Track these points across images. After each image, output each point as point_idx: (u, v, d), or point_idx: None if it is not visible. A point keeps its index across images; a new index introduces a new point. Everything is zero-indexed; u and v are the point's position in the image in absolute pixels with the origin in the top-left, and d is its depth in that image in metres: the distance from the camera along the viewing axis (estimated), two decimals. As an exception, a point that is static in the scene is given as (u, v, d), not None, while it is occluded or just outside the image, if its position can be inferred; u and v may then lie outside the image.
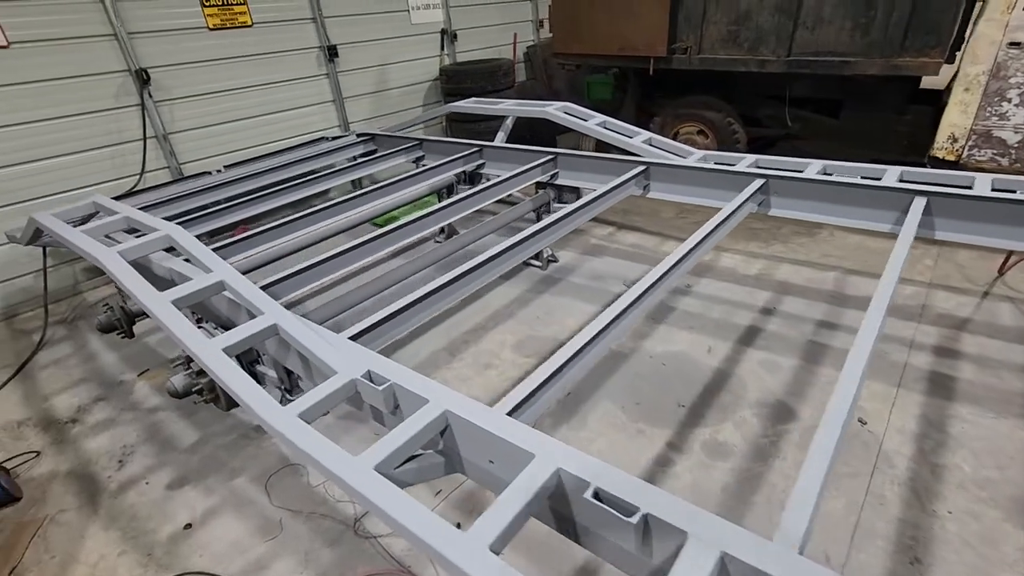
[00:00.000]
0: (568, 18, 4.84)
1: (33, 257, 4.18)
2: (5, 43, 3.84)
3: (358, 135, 5.03)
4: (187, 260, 2.34)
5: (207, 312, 2.33)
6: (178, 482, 2.46)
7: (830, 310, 3.27)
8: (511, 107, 4.22)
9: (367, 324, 1.93)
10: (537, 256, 4.16)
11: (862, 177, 2.85)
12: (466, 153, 4.11)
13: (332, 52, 5.66)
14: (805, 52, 3.94)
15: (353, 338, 1.84)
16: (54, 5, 3.99)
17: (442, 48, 6.85)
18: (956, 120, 3.63)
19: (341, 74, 5.86)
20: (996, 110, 3.47)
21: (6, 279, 4.18)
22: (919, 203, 2.49)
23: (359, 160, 4.36)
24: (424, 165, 4.66)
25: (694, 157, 3.32)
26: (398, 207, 3.82)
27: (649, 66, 4.56)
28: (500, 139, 4.20)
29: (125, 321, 2.85)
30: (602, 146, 3.91)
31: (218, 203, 4.10)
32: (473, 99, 4.59)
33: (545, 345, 3.17)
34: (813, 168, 2.90)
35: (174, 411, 2.92)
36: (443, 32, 6.79)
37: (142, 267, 2.38)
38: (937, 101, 4.14)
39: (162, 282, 2.31)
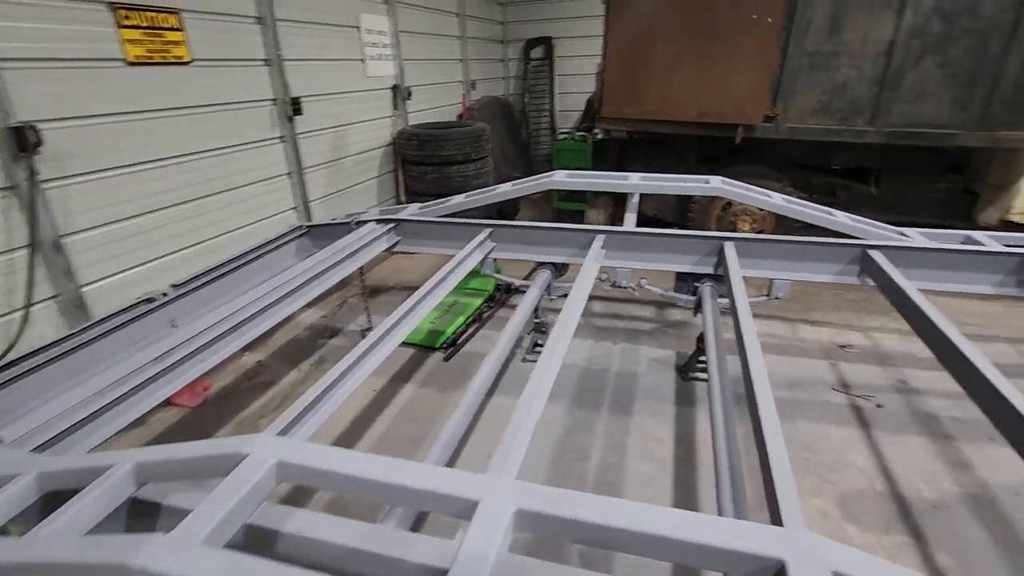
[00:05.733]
0: (629, 80, 4.18)
1: None
2: None
3: (377, 221, 3.52)
4: None
5: None
6: None
7: None
8: (639, 182, 3.32)
9: None
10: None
11: (961, 244, 2.81)
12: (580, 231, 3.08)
13: (295, 107, 4.02)
14: (904, 124, 3.96)
15: None
16: None
17: (395, 107, 5.56)
18: (1037, 188, 3.96)
19: (302, 137, 4.20)
20: (1072, 179, 3.86)
21: None
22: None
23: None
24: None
25: (919, 238, 2.89)
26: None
27: (736, 134, 4.14)
28: (631, 222, 3.27)
29: None
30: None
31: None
32: (565, 171, 3.54)
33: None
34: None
35: None
36: (395, 88, 5.53)
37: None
38: (964, 171, 4.54)
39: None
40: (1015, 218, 4.08)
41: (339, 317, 4.06)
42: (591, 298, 4.37)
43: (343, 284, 4.60)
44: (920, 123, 3.93)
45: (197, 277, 2.81)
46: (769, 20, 3.77)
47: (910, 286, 2.41)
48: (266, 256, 3.42)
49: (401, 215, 3.64)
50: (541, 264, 3.39)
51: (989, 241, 2.82)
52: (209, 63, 3.38)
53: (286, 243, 3.63)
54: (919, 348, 3.40)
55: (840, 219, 3.00)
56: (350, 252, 3.23)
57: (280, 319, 2.59)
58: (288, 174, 4.17)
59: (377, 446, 2.71)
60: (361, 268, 3.50)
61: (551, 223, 3.27)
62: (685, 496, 2.40)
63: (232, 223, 3.69)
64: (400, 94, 5.58)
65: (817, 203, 4.71)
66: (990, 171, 4.34)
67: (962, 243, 2.88)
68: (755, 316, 3.97)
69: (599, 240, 3.12)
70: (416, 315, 2.53)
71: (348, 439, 2.76)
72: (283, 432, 1.43)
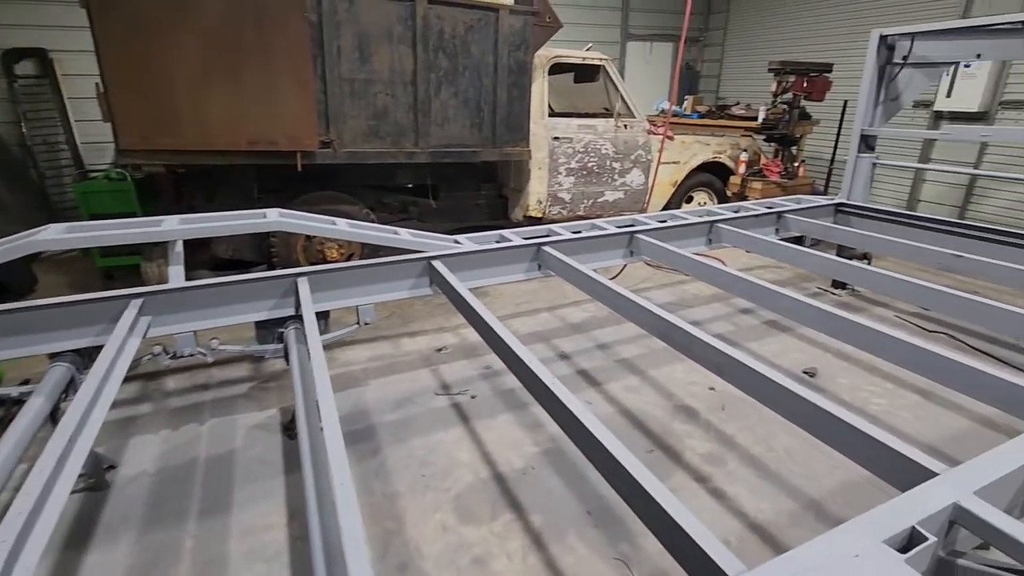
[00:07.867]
0: (149, 104, 3.33)
1: None
2: None
3: None
4: None
5: None
6: None
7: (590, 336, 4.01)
8: (178, 227, 2.67)
9: None
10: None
11: (496, 243, 3.32)
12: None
13: None
14: (441, 144, 4.43)
15: None
16: None
17: None
18: (539, 189, 5.09)
19: None
20: (556, 180, 5.12)
21: None
22: (537, 251, 3.16)
23: None
24: None
25: (468, 243, 3.29)
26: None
27: (296, 161, 3.82)
28: (177, 276, 2.65)
29: None
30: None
31: None
32: (65, 224, 2.55)
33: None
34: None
35: None
36: None
37: None
38: (496, 180, 5.59)
39: None
40: (532, 213, 5.27)
41: None
42: (162, 374, 3.49)
43: None
44: (452, 143, 4.59)
45: None
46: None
47: (463, 287, 2.64)
48: None
49: None
50: (55, 356, 2.45)
51: (515, 237, 3.40)
52: None
53: None
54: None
55: (404, 237, 3.13)
56: None
57: None
58: None
59: None
60: None
61: (55, 299, 2.37)
62: (306, 581, 2.05)
63: None
64: None
65: (394, 220, 5.04)
66: (510, 179, 5.47)
67: (497, 242, 3.41)
68: (357, 343, 3.93)
69: (133, 307, 2.44)
70: None
71: None
72: None
